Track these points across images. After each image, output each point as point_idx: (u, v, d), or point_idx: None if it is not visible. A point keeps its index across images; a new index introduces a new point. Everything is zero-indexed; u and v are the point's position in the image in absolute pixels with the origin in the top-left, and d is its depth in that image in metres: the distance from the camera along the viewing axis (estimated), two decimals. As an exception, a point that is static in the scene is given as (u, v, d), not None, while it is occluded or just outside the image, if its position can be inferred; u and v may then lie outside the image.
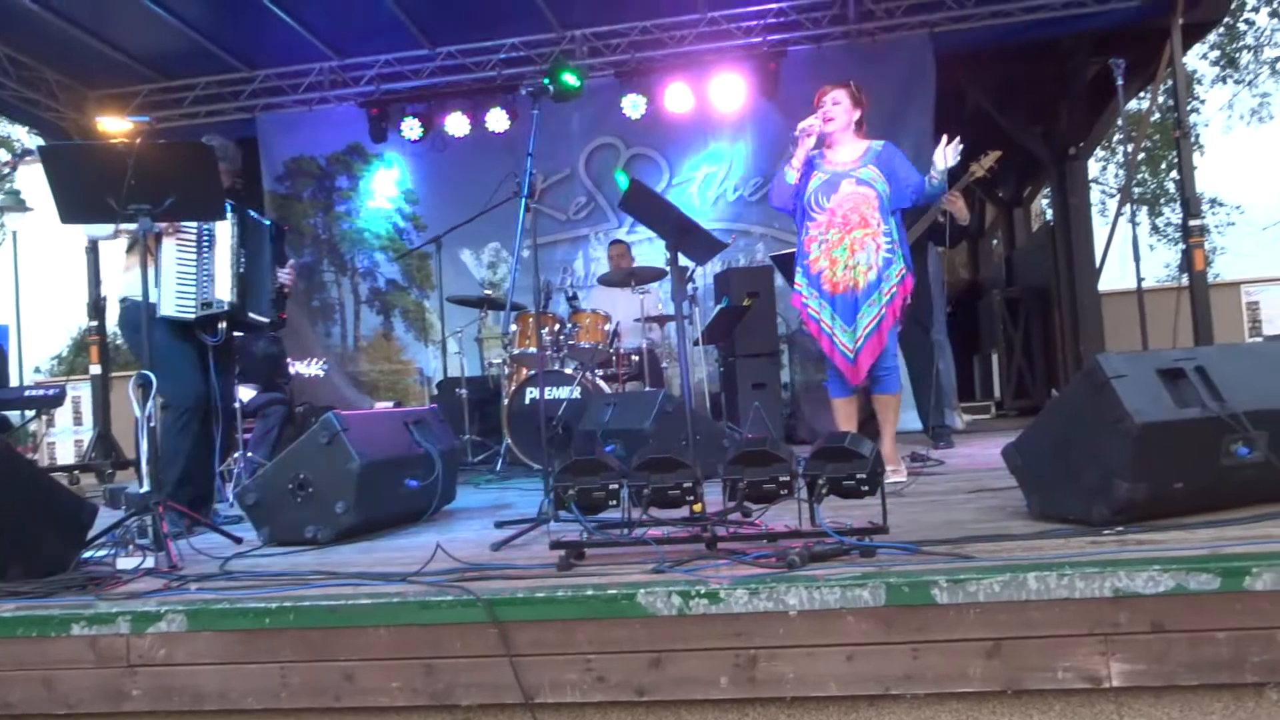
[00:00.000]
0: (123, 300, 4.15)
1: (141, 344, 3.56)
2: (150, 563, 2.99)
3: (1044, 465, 2.96)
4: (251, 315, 4.21)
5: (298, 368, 6.33)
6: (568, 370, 6.23)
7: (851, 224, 4.22)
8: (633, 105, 8.09)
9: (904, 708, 2.23)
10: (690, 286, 6.55)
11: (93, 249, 9.03)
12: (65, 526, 3.06)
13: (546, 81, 4.61)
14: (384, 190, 9.08)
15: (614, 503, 2.77)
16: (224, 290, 4.06)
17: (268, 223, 4.41)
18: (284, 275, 4.46)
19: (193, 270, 4.02)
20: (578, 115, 8.45)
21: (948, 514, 3.24)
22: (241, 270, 4.12)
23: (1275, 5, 19.01)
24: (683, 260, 3.86)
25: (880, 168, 4.25)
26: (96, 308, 9.03)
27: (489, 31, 8.13)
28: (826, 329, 4.28)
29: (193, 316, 4.02)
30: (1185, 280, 7.24)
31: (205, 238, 4.04)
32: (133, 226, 3.42)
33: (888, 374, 4.33)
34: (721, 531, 2.74)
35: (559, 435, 5.77)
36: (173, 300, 3.97)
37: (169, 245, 3.94)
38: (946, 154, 4.21)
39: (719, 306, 7.09)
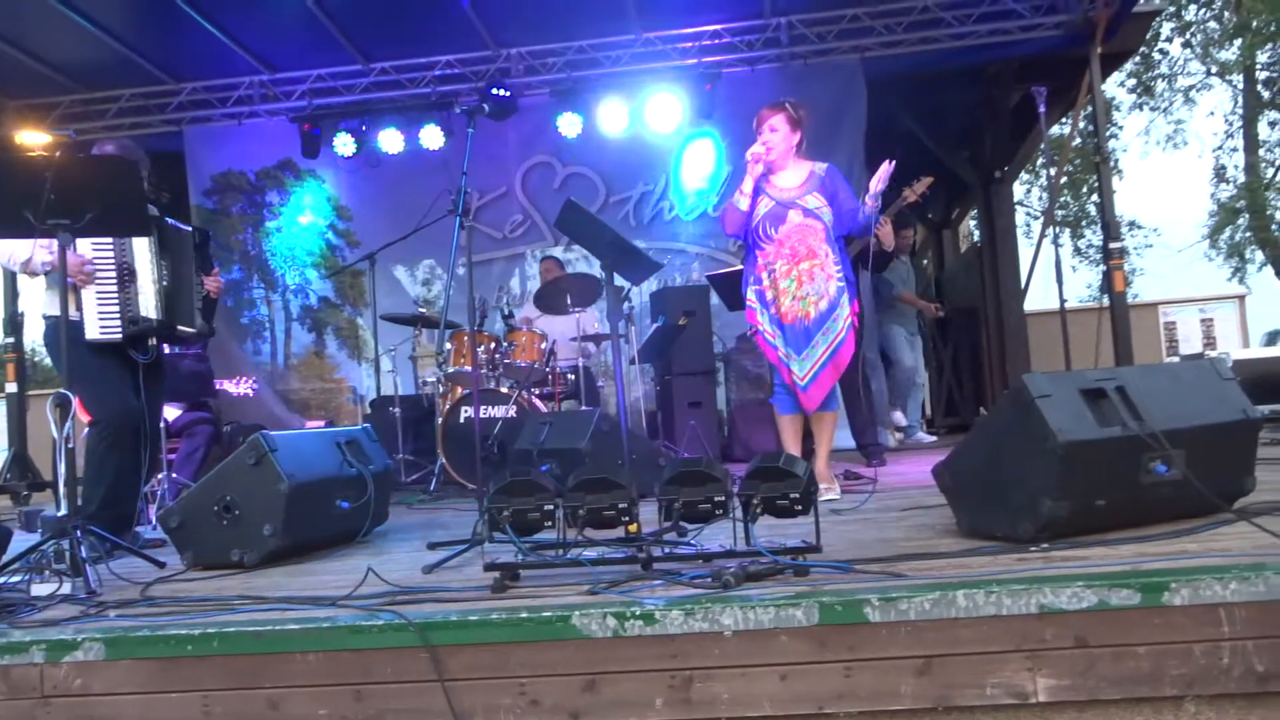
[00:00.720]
0: (46, 317, 4.02)
1: (73, 361, 3.48)
2: (67, 588, 2.89)
3: (972, 483, 3.01)
4: (180, 328, 4.12)
5: (226, 386, 6.17)
6: (503, 389, 6.19)
7: (799, 255, 4.25)
8: (569, 124, 8.10)
9: (837, 726, 2.24)
10: (626, 305, 6.57)
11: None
12: (-24, 552, 2.95)
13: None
14: (316, 206, 8.94)
15: (549, 523, 2.75)
16: (149, 307, 3.96)
17: (189, 229, 4.30)
18: (210, 283, 4.35)
19: (114, 289, 3.91)
20: (513, 133, 8.44)
21: (880, 532, 3.28)
22: (165, 283, 4.02)
23: (1188, 36, 19.82)
24: (618, 280, 3.88)
25: (824, 194, 4.29)
26: (13, 323, 8.72)
27: (424, 48, 8.07)
28: (783, 357, 4.31)
29: (119, 337, 3.92)
30: (1106, 301, 7.45)
31: (124, 257, 3.93)
32: (47, 253, 3.30)
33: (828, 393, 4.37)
34: (657, 552, 2.74)
35: (494, 455, 5.72)
36: (96, 323, 3.86)
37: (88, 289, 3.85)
38: (880, 177, 4.24)
39: (655, 325, 7.11)
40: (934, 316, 9.10)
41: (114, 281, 3.91)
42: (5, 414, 9.27)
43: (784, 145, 4.36)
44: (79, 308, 3.81)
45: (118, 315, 3.91)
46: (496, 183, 8.61)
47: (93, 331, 3.85)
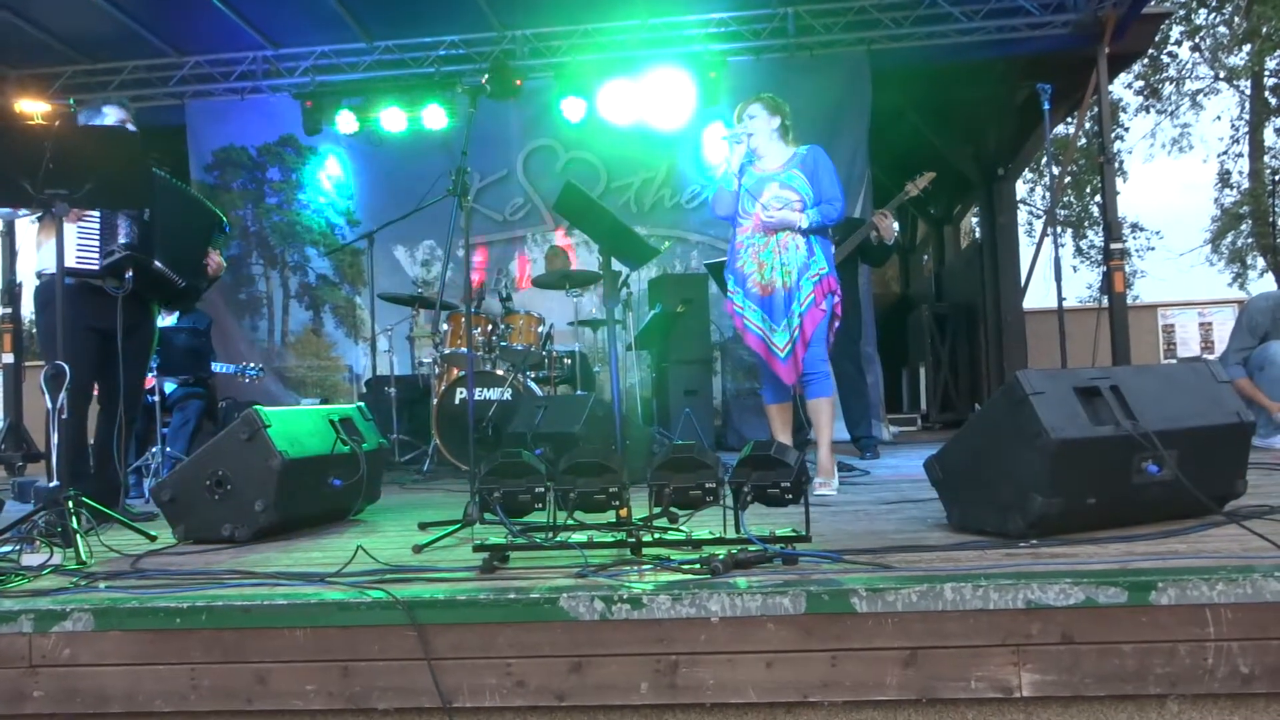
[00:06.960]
0: (39, 274, 4.07)
1: (45, 322, 3.57)
2: (58, 559, 2.89)
3: (964, 478, 3.01)
4: (158, 265, 4.11)
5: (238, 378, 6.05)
6: (499, 371, 6.19)
7: (775, 224, 4.28)
8: (572, 108, 8.07)
9: (822, 715, 2.25)
10: (624, 291, 6.57)
11: (8, 233, 8.72)
12: (-33, 520, 2.94)
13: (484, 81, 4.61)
14: (317, 184, 8.92)
15: (540, 506, 2.75)
16: (123, 235, 4.02)
17: (209, 204, 4.43)
18: (211, 259, 4.43)
19: (97, 226, 3.97)
20: (516, 116, 8.41)
21: (870, 524, 3.29)
22: (146, 217, 4.04)
23: (1197, 40, 19.77)
24: (616, 265, 3.87)
25: (805, 171, 4.32)
26: (10, 293, 8.71)
27: (428, 27, 8.05)
28: (759, 332, 4.30)
29: (96, 266, 3.94)
30: (1105, 301, 7.45)
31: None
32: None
33: (817, 378, 4.30)
34: (646, 537, 2.74)
35: (488, 437, 5.72)
36: (74, 255, 3.89)
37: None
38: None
39: (653, 312, 7.11)
40: None
41: (97, 220, 3.97)
42: (1, 384, 9.25)
43: (764, 130, 4.39)
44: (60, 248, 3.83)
45: (97, 248, 3.96)
46: (498, 165, 8.58)
47: (70, 262, 3.84)
